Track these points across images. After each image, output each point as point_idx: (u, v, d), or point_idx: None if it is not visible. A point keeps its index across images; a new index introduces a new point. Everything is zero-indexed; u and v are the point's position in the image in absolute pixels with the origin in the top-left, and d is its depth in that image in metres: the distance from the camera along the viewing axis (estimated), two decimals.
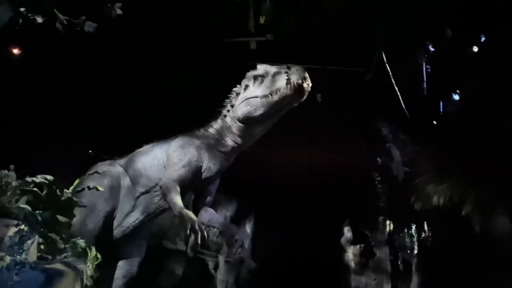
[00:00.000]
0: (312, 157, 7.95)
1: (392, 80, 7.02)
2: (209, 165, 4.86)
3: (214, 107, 5.14)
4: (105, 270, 4.62)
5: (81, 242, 3.90)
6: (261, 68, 4.72)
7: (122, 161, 5.20)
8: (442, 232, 6.59)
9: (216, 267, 7.95)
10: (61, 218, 3.42)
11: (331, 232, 8.91)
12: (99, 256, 4.09)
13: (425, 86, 7.50)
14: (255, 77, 4.68)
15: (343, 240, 8.94)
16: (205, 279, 7.68)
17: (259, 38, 6.53)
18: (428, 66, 7.52)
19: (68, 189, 3.71)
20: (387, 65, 6.81)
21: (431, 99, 7.53)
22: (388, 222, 8.18)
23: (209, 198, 7.00)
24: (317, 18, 6.46)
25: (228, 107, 4.96)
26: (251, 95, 4.67)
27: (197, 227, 4.24)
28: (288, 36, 6.49)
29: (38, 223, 3.33)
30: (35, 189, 3.42)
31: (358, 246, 8.73)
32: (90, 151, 6.40)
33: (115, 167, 5.11)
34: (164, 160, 4.92)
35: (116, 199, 4.98)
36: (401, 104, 7.22)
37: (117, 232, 5.01)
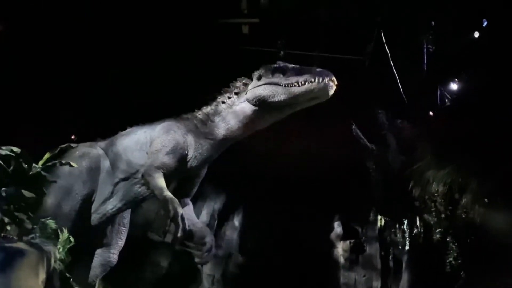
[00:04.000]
0: (303, 148, 7.72)
1: (391, 63, 6.80)
2: (195, 154, 4.60)
3: (206, 91, 4.89)
4: (81, 257, 4.40)
5: (51, 223, 3.66)
6: (282, 64, 4.53)
7: (103, 143, 4.95)
8: (436, 226, 6.38)
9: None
10: (28, 194, 3.16)
11: (320, 226, 8.72)
12: (71, 239, 3.84)
13: (424, 70, 7.28)
14: (275, 69, 4.46)
15: (333, 235, 8.78)
16: (190, 273, 7.49)
17: (252, 20, 6.31)
18: (429, 48, 7.28)
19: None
20: (386, 46, 6.57)
21: (430, 85, 7.31)
22: (379, 217, 7.97)
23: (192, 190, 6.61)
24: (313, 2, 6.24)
25: (229, 94, 4.71)
26: (272, 82, 4.43)
27: (179, 218, 4.00)
28: (282, 20, 6.27)
29: (1, 199, 3.08)
30: (0, 162, 3.17)
31: (348, 242, 8.58)
32: (72, 137, 6.13)
33: (95, 149, 4.86)
34: (147, 145, 4.66)
35: (94, 183, 4.72)
36: (399, 90, 7.00)
37: (94, 217, 4.76)
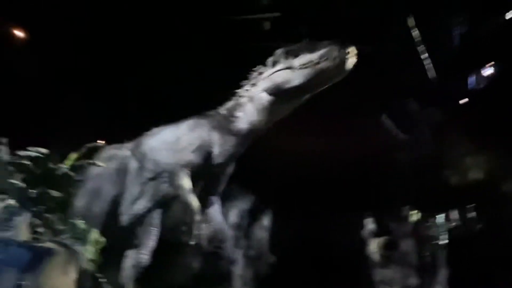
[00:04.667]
0: (330, 143, 7.55)
1: (420, 47, 6.52)
2: (221, 150, 4.60)
3: (224, 89, 4.85)
4: (112, 258, 4.40)
5: (81, 223, 3.65)
6: (297, 44, 4.43)
7: (130, 144, 4.98)
8: (475, 219, 6.10)
9: (234, 262, 7.77)
10: (56, 194, 3.15)
11: (352, 224, 8.46)
12: (101, 240, 3.82)
13: (456, 53, 6.97)
14: (288, 52, 4.35)
15: (365, 232, 8.51)
16: (222, 275, 7.46)
17: (270, 14, 6.20)
18: (461, 28, 6.97)
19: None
20: (414, 30, 6.30)
21: (463, 68, 7.01)
22: (413, 211, 7.72)
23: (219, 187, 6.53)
24: None
25: (247, 86, 4.68)
26: (284, 66, 4.34)
27: (194, 226, 3.97)
28: (298, 14, 6.14)
29: (30, 200, 3.08)
30: (28, 163, 3.17)
31: (381, 239, 8.27)
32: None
33: (123, 151, 4.90)
34: (173, 144, 4.67)
35: (123, 184, 4.75)
36: (430, 75, 6.72)
37: (124, 218, 4.77)
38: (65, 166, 3.43)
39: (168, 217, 5.26)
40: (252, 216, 8.69)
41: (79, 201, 4.15)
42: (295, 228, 8.56)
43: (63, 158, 3.62)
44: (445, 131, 6.66)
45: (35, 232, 3.12)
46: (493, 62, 6.81)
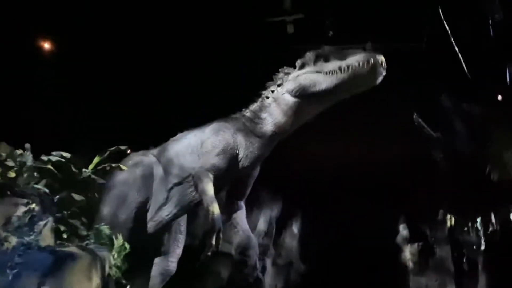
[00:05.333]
0: (360, 145, 7.34)
1: (452, 40, 6.26)
2: (246, 153, 4.51)
3: (251, 91, 4.77)
4: (139, 265, 4.34)
5: (105, 229, 3.59)
6: (328, 48, 4.35)
7: (155, 150, 4.94)
8: None
9: (263, 270, 7.50)
10: (78, 197, 3.10)
11: (385, 229, 8.21)
12: (127, 246, 3.76)
13: (491, 44, 6.65)
14: (318, 56, 4.29)
15: (399, 238, 8.26)
16: (250, 283, 7.35)
17: (296, 16, 6.11)
18: (495, 18, 6.63)
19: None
20: (445, 22, 6.06)
21: (498, 60, 6.67)
22: (449, 216, 7.41)
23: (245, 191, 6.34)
24: None
25: (273, 87, 4.60)
26: (312, 70, 4.28)
27: (214, 235, 3.88)
28: (324, 14, 6.03)
29: (53, 204, 3.03)
30: (51, 167, 3.14)
31: (416, 245, 8.03)
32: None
33: (148, 157, 4.86)
34: (198, 148, 4.60)
35: (149, 190, 4.69)
36: (463, 69, 6.43)
37: (150, 225, 4.72)
38: (88, 170, 3.38)
39: (195, 224, 5.21)
40: (281, 223, 8.59)
41: (105, 207, 4.11)
42: (326, 235, 8.28)
43: (87, 162, 3.58)
44: (482, 130, 6.33)
45: (59, 237, 3.07)
46: None
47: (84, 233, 3.35)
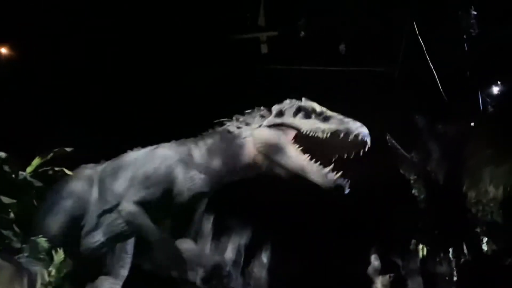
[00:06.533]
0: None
1: (427, 59, 6.17)
2: (182, 189, 3.98)
3: (218, 112, 4.43)
4: (81, 285, 3.91)
5: (43, 242, 3.23)
6: (310, 103, 3.92)
7: (105, 165, 4.44)
8: (490, 250, 5.56)
9: None
10: (7, 200, 2.75)
11: (356, 260, 7.95)
12: (69, 262, 3.38)
13: (466, 64, 6.58)
14: (300, 109, 3.86)
15: (370, 269, 8.01)
16: None
17: (271, 33, 6.00)
18: (471, 36, 6.56)
19: None
20: (420, 38, 5.99)
21: (475, 82, 6.58)
22: (420, 246, 7.21)
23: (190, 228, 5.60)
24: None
25: (240, 123, 4.09)
26: (290, 124, 3.83)
27: (180, 259, 3.48)
28: (300, 34, 5.93)
29: None
30: None
31: (387, 276, 7.77)
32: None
33: (92, 171, 4.35)
34: (131, 175, 4.07)
35: (84, 208, 4.15)
36: (438, 89, 6.33)
37: (82, 247, 4.19)
38: (26, 173, 3.05)
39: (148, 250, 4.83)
40: (250, 251, 8.28)
41: (44, 216, 3.67)
42: (296, 265, 8.04)
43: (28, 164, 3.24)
44: (457, 151, 6.19)
45: None
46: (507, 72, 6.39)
47: (18, 245, 2.97)
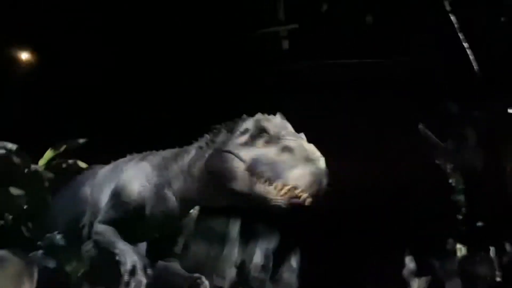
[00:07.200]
0: (361, 169, 6.85)
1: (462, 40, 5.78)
2: (154, 211, 3.55)
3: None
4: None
5: (59, 239, 3.08)
6: (271, 124, 3.19)
7: (103, 170, 4.09)
8: None
9: None
10: (16, 191, 2.63)
11: (389, 263, 7.57)
12: (86, 262, 3.24)
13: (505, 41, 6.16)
14: (262, 131, 3.13)
15: (405, 272, 7.66)
16: None
17: (291, 26, 5.81)
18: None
19: None
20: (452, 17, 5.60)
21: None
22: (458, 245, 6.85)
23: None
24: None
25: (207, 141, 3.50)
26: (237, 154, 3.12)
27: (139, 271, 3.16)
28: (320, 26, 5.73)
29: None
30: None
31: (423, 279, 7.40)
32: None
33: (93, 171, 4.08)
34: (112, 188, 3.69)
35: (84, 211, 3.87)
36: (474, 72, 5.93)
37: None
38: (38, 166, 2.94)
39: (187, 259, 4.64)
40: (279, 256, 8.09)
41: (55, 212, 3.52)
42: (326, 269, 7.69)
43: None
44: (496, 135, 5.80)
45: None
46: None
47: (32, 241, 2.86)
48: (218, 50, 6.12)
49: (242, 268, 7.66)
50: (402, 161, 6.51)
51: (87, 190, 3.84)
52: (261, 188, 2.92)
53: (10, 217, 2.63)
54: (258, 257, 8.04)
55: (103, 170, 3.98)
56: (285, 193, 2.90)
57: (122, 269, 3.14)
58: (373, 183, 6.74)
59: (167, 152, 3.79)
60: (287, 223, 7.53)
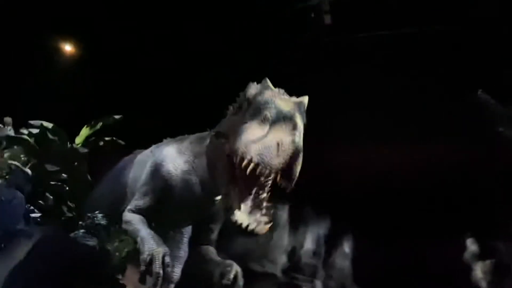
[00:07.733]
0: (419, 150, 6.47)
1: None
2: (183, 196, 3.61)
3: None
4: None
5: (100, 218, 3.05)
6: (253, 89, 3.33)
7: (140, 155, 4.12)
8: None
9: None
10: (51, 167, 2.61)
11: (450, 246, 7.18)
12: (130, 242, 3.19)
13: None
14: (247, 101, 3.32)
15: (467, 255, 7.23)
16: None
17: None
18: None
19: None
20: None
21: None
22: None
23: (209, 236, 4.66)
24: None
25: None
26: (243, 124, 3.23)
27: (157, 264, 3.10)
28: None
29: (27, 181, 2.55)
30: (28, 139, 2.69)
31: (488, 262, 6.95)
32: None
33: (139, 156, 4.10)
34: (133, 179, 3.84)
35: (122, 190, 3.93)
36: None
37: None
38: (75, 145, 2.91)
39: (237, 246, 4.64)
40: (331, 241, 7.89)
41: (97, 192, 3.52)
42: (383, 254, 7.43)
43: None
44: None
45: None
46: None
47: (74, 220, 2.84)
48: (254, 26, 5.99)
49: (293, 254, 7.54)
50: (461, 136, 6.09)
51: (127, 174, 3.87)
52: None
53: (51, 197, 2.63)
54: (309, 243, 7.87)
55: (141, 156, 4.00)
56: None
57: (140, 258, 3.09)
58: (431, 162, 6.37)
59: (194, 137, 3.83)
60: (338, 206, 7.33)
